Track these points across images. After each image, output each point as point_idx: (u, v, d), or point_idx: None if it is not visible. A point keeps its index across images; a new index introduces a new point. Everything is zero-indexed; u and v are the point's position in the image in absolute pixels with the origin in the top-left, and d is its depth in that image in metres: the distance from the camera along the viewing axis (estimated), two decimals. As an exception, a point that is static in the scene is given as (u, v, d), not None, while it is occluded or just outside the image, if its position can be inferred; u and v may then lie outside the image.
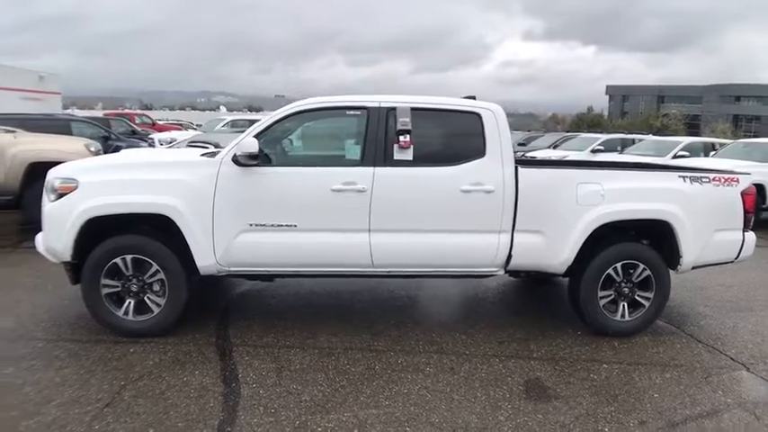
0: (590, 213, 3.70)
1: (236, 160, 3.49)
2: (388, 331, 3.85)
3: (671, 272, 3.94)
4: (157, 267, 3.53)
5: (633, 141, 14.21)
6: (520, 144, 18.33)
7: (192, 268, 3.57)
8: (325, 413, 2.75)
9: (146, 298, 3.58)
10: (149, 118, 26.00)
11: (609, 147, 13.85)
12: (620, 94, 68.69)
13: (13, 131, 6.87)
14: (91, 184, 3.48)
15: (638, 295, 3.90)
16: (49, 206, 3.53)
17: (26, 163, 6.32)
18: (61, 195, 3.48)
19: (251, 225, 3.53)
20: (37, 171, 6.29)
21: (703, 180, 3.91)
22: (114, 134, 13.04)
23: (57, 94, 21.34)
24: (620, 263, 3.83)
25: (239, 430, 2.57)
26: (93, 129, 12.35)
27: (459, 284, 5.00)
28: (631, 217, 3.77)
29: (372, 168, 3.58)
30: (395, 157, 3.61)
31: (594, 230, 3.73)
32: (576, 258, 3.77)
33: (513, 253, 3.74)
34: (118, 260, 3.51)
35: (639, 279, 3.88)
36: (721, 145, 11.82)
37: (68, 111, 26.05)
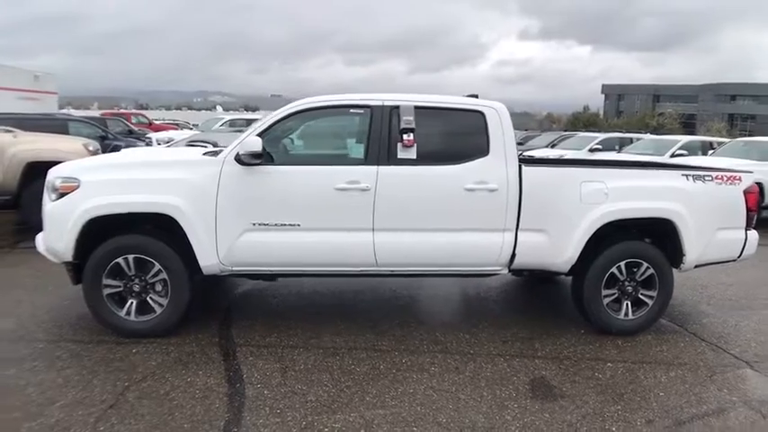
0: (594, 212, 3.70)
1: (238, 159, 3.47)
2: (391, 331, 3.84)
3: (672, 270, 3.94)
4: (160, 267, 3.50)
5: (631, 140, 14.24)
6: (517, 144, 18.32)
7: (195, 268, 3.55)
8: (332, 413, 2.73)
9: (148, 298, 3.55)
10: (146, 118, 25.91)
11: (607, 146, 13.88)
12: (615, 94, 68.88)
13: (11, 131, 6.82)
14: (93, 184, 3.44)
15: (641, 294, 3.90)
16: (50, 206, 3.49)
17: (24, 162, 6.27)
18: (62, 195, 3.45)
19: (254, 224, 3.51)
20: (35, 171, 6.26)
21: (706, 178, 3.91)
22: (111, 134, 12.96)
23: (53, 94, 21.19)
24: (624, 261, 3.83)
25: (245, 431, 2.55)
26: (91, 128, 12.27)
27: (460, 283, 4.99)
28: (635, 216, 3.77)
29: (376, 167, 3.56)
30: (398, 156, 3.60)
31: (598, 229, 3.72)
32: (579, 257, 3.76)
33: (516, 252, 3.73)
34: (120, 260, 3.48)
35: (643, 278, 3.88)
36: (719, 144, 11.86)
37: (64, 110, 25.89)
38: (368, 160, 3.59)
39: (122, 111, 32.67)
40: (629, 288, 3.88)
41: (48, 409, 2.65)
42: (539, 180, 3.72)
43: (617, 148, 13.85)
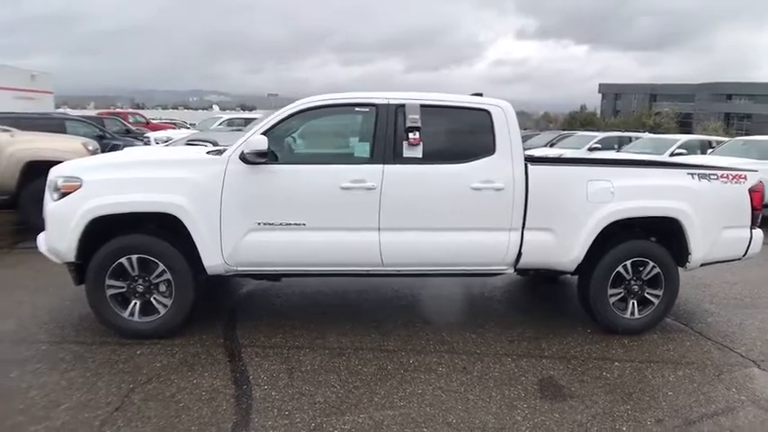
0: (600, 211, 3.68)
1: (243, 158, 3.43)
2: (397, 331, 3.81)
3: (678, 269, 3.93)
4: (164, 267, 3.46)
5: (630, 139, 14.26)
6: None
7: (199, 268, 3.51)
8: (341, 415, 2.70)
9: (152, 298, 3.51)
10: (143, 117, 25.78)
11: (606, 145, 13.88)
12: (612, 93, 69.07)
13: (8, 130, 6.75)
14: (95, 183, 3.40)
15: (647, 293, 3.89)
16: (52, 205, 3.45)
17: (23, 162, 6.21)
18: (65, 194, 3.40)
19: (259, 224, 3.48)
20: (34, 170, 6.20)
21: (711, 177, 3.90)
22: (109, 133, 12.88)
23: (49, 94, 21.05)
24: (630, 260, 3.82)
25: (254, 433, 2.52)
26: (88, 128, 12.18)
27: (464, 283, 4.97)
28: (642, 214, 3.75)
29: (382, 166, 3.53)
30: (404, 155, 3.57)
31: (604, 228, 3.71)
32: (585, 256, 3.75)
33: (522, 251, 3.71)
34: (123, 260, 3.44)
35: (649, 277, 3.87)
36: (718, 143, 11.89)
37: (60, 110, 25.75)
38: (373, 159, 3.56)
39: (119, 110, 32.52)
40: (636, 287, 3.87)
41: (53, 411, 2.62)
42: (545, 179, 3.70)
43: (616, 147, 13.86)
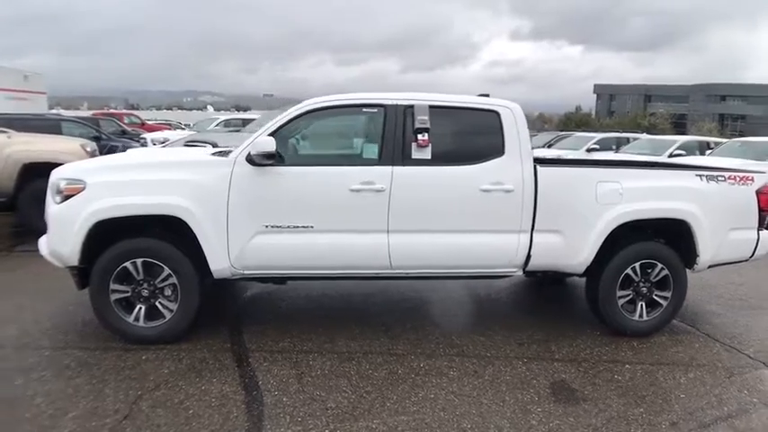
0: (610, 212, 3.67)
1: (250, 159, 3.39)
2: (405, 334, 3.78)
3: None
4: (169, 271, 3.41)
5: (628, 140, 14.30)
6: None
7: (205, 272, 3.46)
8: (354, 420, 2.67)
9: (157, 303, 3.46)
10: (138, 118, 25.61)
11: (604, 146, 13.93)
12: (607, 94, 69.35)
13: (5, 132, 6.66)
14: (99, 185, 3.34)
15: (655, 295, 3.88)
16: (54, 208, 3.38)
17: (20, 164, 6.13)
18: (67, 197, 3.34)
19: (266, 226, 3.43)
20: (32, 172, 6.12)
21: (719, 179, 3.90)
22: (105, 134, 12.77)
23: (42, 94, 20.85)
24: (639, 262, 3.80)
25: (266, 440, 2.48)
26: (84, 129, 12.07)
27: (470, 285, 4.94)
28: (651, 216, 3.74)
29: (390, 168, 3.50)
30: (413, 156, 3.54)
31: (613, 230, 3.69)
32: (594, 258, 3.73)
33: (532, 253, 3.69)
34: (128, 264, 3.38)
35: (657, 278, 3.86)
36: (716, 144, 11.95)
37: (54, 110, 25.53)
38: (382, 161, 3.52)
39: (114, 111, 32.28)
40: (644, 289, 3.86)
41: (60, 420, 2.56)
42: (554, 180, 3.68)
43: (614, 147, 13.91)
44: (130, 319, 3.43)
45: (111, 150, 10.72)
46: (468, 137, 3.75)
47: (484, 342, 3.70)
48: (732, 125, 53.12)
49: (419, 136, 3.51)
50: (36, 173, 6.10)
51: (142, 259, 3.39)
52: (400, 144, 3.54)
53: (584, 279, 4.00)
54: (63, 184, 3.37)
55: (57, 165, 5.81)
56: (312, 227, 3.46)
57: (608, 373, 3.32)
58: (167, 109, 78.57)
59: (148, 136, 14.38)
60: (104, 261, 3.36)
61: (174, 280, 3.43)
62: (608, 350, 3.66)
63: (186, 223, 3.35)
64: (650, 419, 2.80)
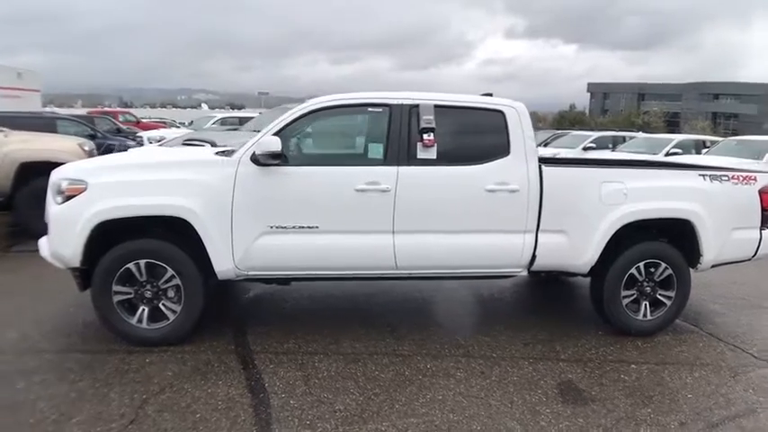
0: (614, 212, 3.67)
1: (255, 159, 3.35)
2: (410, 335, 3.76)
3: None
4: (173, 272, 3.37)
5: (624, 139, 14.35)
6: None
7: (209, 273, 3.43)
8: (363, 423, 2.65)
9: (160, 304, 3.42)
10: (133, 116, 25.40)
11: (600, 144, 13.96)
12: (601, 92, 69.63)
13: (2, 130, 6.57)
14: (101, 186, 3.30)
15: (659, 294, 3.89)
16: (55, 209, 3.33)
17: (17, 163, 6.05)
18: (69, 197, 3.29)
19: (271, 227, 3.40)
20: (29, 171, 6.05)
21: (723, 178, 3.90)
22: (101, 132, 12.66)
23: (36, 92, 20.63)
24: (643, 262, 3.81)
25: (276, 444, 2.46)
26: (79, 127, 11.96)
27: (472, 284, 4.93)
28: (656, 216, 3.74)
29: (396, 168, 3.48)
30: (418, 156, 3.52)
31: (618, 230, 3.69)
32: (599, 258, 3.73)
33: (537, 253, 3.68)
34: (131, 265, 3.34)
35: (661, 278, 3.86)
36: (712, 142, 12.02)
37: (47, 108, 25.28)
38: (387, 161, 3.50)
39: (108, 109, 32.02)
40: (648, 288, 3.86)
41: (65, 425, 2.52)
42: (559, 180, 3.67)
43: (610, 146, 13.95)
44: (133, 320, 3.39)
45: (109, 149, 10.64)
46: (473, 137, 3.73)
47: (489, 342, 3.69)
48: (725, 123, 53.51)
49: (425, 136, 3.49)
50: (33, 172, 6.03)
51: (145, 260, 3.35)
52: (405, 144, 3.51)
53: (582, 278, 4.01)
54: (64, 185, 3.32)
55: (54, 164, 5.74)
56: (317, 227, 3.43)
57: (614, 373, 3.32)
58: (161, 107, 77.96)
59: (145, 134, 14.27)
60: (107, 262, 3.32)
61: (177, 281, 3.39)
62: (613, 350, 3.66)
63: (190, 224, 3.31)
64: (659, 420, 2.80)
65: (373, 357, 3.39)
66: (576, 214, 3.67)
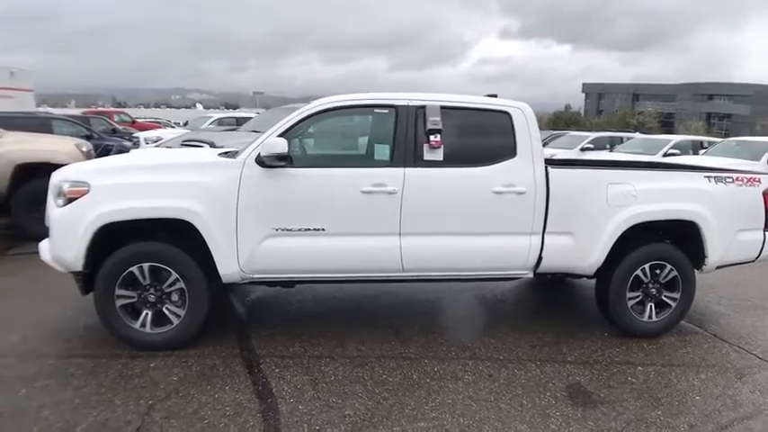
0: (621, 214, 3.66)
1: (260, 161, 3.32)
2: (416, 337, 3.74)
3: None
4: (177, 276, 3.33)
5: (621, 140, 14.40)
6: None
7: (214, 276, 3.39)
8: (373, 428, 2.62)
9: (164, 308, 3.38)
10: (128, 116, 25.20)
11: (598, 145, 14.00)
12: (595, 92, 69.94)
13: (-3, 131, 6.48)
14: (104, 188, 3.25)
15: (664, 296, 3.89)
16: (57, 212, 3.28)
17: (14, 164, 5.96)
18: (71, 200, 3.24)
19: (277, 230, 3.37)
20: (25, 173, 5.98)
21: (727, 180, 3.91)
22: (96, 133, 12.53)
23: (29, 92, 20.44)
24: (649, 264, 3.80)
25: (285, 450, 2.43)
26: (74, 127, 11.83)
27: (475, 286, 4.91)
28: (661, 218, 3.74)
29: (402, 169, 3.45)
30: (425, 158, 3.49)
31: (624, 231, 3.68)
32: (604, 260, 3.72)
33: (543, 255, 3.67)
34: (134, 269, 3.29)
35: (666, 280, 3.86)
36: (710, 143, 12.08)
37: (40, 108, 25.06)
38: (394, 162, 3.47)
39: (103, 109, 31.78)
40: (654, 290, 3.86)
41: (71, 432, 2.48)
42: (566, 182, 3.66)
43: (608, 146, 13.99)
44: (137, 325, 3.34)
45: (106, 150, 10.54)
46: (480, 138, 3.71)
47: (495, 345, 3.68)
48: (719, 124, 53.89)
49: (431, 137, 3.46)
50: (30, 174, 5.96)
51: (149, 264, 3.30)
52: (412, 145, 3.49)
53: (583, 279, 4.00)
54: (66, 187, 3.27)
55: (52, 165, 5.66)
56: (323, 229, 3.40)
57: (621, 375, 3.31)
58: (156, 107, 77.47)
59: (141, 135, 14.15)
60: (110, 266, 3.27)
61: (181, 285, 3.35)
62: (619, 351, 3.66)
63: (194, 227, 3.27)
64: (668, 422, 2.79)
65: (380, 361, 3.36)
66: (583, 216, 3.66)
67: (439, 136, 3.47)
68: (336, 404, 2.82)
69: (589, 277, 3.93)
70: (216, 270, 3.36)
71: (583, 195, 3.66)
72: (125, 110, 34.76)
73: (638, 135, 15.76)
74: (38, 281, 4.51)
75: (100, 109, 33.85)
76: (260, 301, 4.47)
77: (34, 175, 5.96)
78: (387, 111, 3.55)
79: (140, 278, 3.32)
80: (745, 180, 3.96)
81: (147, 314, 3.35)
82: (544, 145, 15.61)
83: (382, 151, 3.54)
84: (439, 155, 3.49)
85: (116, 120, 20.35)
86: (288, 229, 3.37)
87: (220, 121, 14.61)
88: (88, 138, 11.52)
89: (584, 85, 72.83)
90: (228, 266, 3.36)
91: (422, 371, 3.24)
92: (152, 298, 3.35)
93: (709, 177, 3.89)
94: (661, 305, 3.90)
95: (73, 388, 2.89)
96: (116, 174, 3.42)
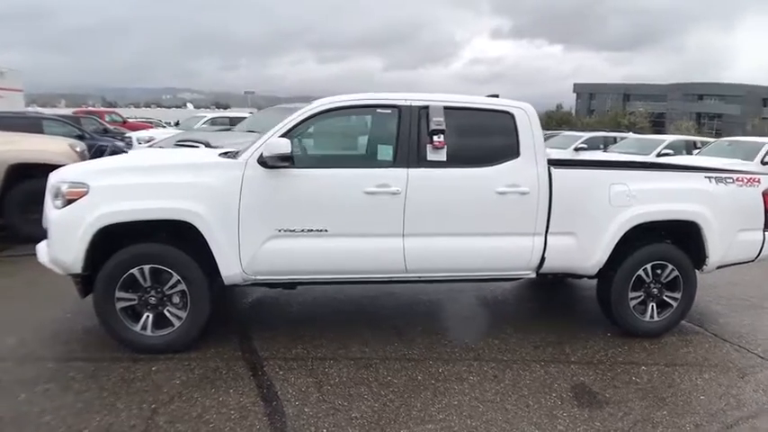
0: (623, 214, 3.67)
1: (262, 162, 3.28)
2: (419, 338, 3.72)
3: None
4: (178, 278, 3.29)
5: (615, 140, 14.49)
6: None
7: (215, 278, 3.35)
8: (381, 430, 2.60)
9: (165, 311, 3.33)
10: (119, 116, 24.95)
11: (591, 145, 14.08)
12: (587, 92, 70.40)
13: (-11, 131, 6.37)
14: (104, 189, 3.20)
15: (666, 296, 3.90)
16: (55, 213, 3.22)
17: (6, 164, 5.86)
18: (70, 201, 3.18)
19: (279, 231, 3.33)
20: (18, 173, 5.88)
21: (728, 180, 3.93)
22: (88, 133, 12.37)
23: (18, 91, 20.20)
24: (650, 264, 3.82)
25: (293, 454, 2.40)
26: (65, 127, 11.67)
27: (476, 286, 4.90)
28: (664, 218, 3.76)
29: (406, 170, 3.43)
30: (428, 158, 3.48)
31: (626, 231, 3.69)
32: (606, 260, 3.73)
33: (546, 255, 3.67)
34: (135, 271, 3.24)
35: (667, 280, 3.88)
36: (703, 143, 12.19)
37: (29, 108, 24.76)
38: (397, 162, 3.46)
39: (93, 108, 31.45)
40: (655, 290, 3.87)
41: (74, 438, 2.43)
42: (568, 182, 3.66)
43: (601, 146, 14.07)
44: (137, 327, 3.29)
45: (100, 150, 10.41)
46: (483, 138, 3.70)
47: (499, 345, 3.67)
48: (709, 124, 54.47)
49: (435, 137, 3.45)
50: (23, 174, 5.87)
51: (150, 265, 3.26)
52: (415, 146, 3.47)
53: (582, 279, 4.01)
54: (65, 188, 3.21)
55: (45, 166, 5.58)
56: (326, 231, 3.37)
57: (625, 375, 3.32)
58: (146, 107, 76.79)
59: (134, 135, 14.01)
60: (110, 268, 3.22)
61: (182, 287, 3.30)
62: (621, 351, 3.66)
63: (196, 228, 3.23)
64: (675, 422, 2.80)
65: (384, 362, 3.34)
66: (586, 216, 3.66)
67: (442, 136, 3.45)
68: (343, 406, 2.79)
69: (590, 277, 3.94)
70: (217, 272, 3.32)
71: (585, 196, 3.67)
72: (116, 110, 34.41)
73: (631, 135, 15.88)
74: (35, 283, 4.43)
75: (90, 109, 33.50)
76: (261, 302, 4.42)
77: (27, 175, 5.87)
78: (389, 111, 3.53)
79: (141, 280, 3.27)
80: (745, 180, 3.98)
81: (147, 317, 3.31)
82: (538, 145, 15.73)
83: (385, 152, 3.52)
84: (442, 155, 3.48)
85: (107, 120, 20.14)
86: (291, 231, 3.34)
87: (213, 121, 14.49)
88: (80, 138, 11.37)
89: (575, 85, 73.32)
90: (231, 268, 3.32)
91: (426, 372, 3.23)
92: (153, 300, 3.30)
93: (709, 178, 3.91)
94: (662, 305, 3.91)
95: (74, 392, 2.83)
96: (115, 174, 3.37)
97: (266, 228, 3.32)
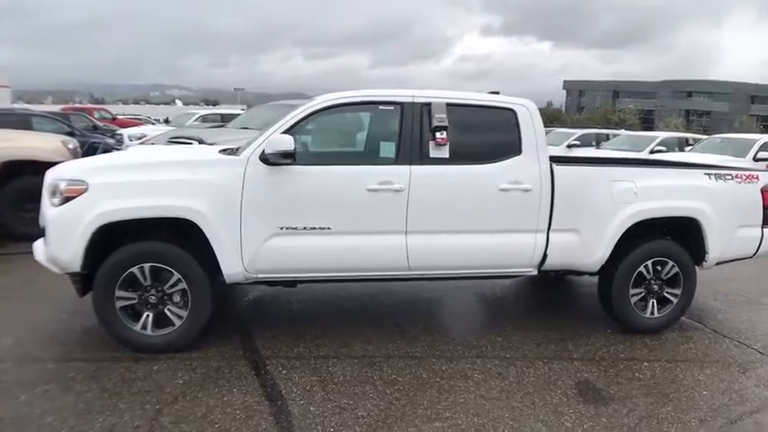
0: (625, 211, 3.68)
1: (264, 159, 3.24)
2: (421, 336, 3.71)
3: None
4: (179, 276, 3.24)
5: (608, 137, 14.58)
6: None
7: (216, 276, 3.31)
8: (388, 429, 2.58)
9: (166, 310, 3.28)
10: (109, 113, 24.64)
11: (584, 142, 14.15)
12: (576, 90, 70.80)
13: (-21, 128, 6.25)
14: (103, 186, 3.14)
15: (666, 292, 3.93)
16: (53, 211, 3.16)
17: (-1, 162, 5.75)
18: (68, 199, 3.12)
19: (281, 228, 3.30)
20: (10, 171, 5.77)
21: (727, 177, 3.96)
22: (78, 130, 12.19)
23: (5, 88, 19.88)
24: (651, 260, 3.83)
25: (301, 454, 2.37)
26: (55, 124, 11.47)
27: (476, 283, 4.89)
28: (665, 215, 3.77)
29: (408, 167, 3.41)
30: (431, 155, 3.46)
31: (627, 228, 3.71)
32: (608, 257, 3.74)
33: (548, 252, 3.67)
34: (135, 269, 3.19)
35: (668, 276, 3.90)
36: (695, 140, 12.31)
37: (17, 105, 24.37)
38: (399, 159, 3.43)
39: (82, 105, 31.03)
40: (656, 287, 3.89)
41: (77, 440, 2.39)
42: (570, 179, 3.66)
43: (594, 143, 14.15)
44: (137, 327, 3.24)
45: (92, 147, 10.27)
46: (485, 135, 3.69)
47: (501, 343, 3.67)
48: (698, 121, 55.07)
49: (437, 134, 3.43)
50: (16, 171, 5.76)
51: (150, 264, 3.21)
52: (418, 143, 3.45)
53: (581, 275, 4.02)
54: (63, 186, 3.15)
55: (38, 163, 5.47)
56: (329, 228, 3.34)
57: (628, 371, 3.33)
58: (134, 103, 75.86)
59: (125, 132, 13.83)
60: (109, 266, 3.17)
61: (183, 285, 3.25)
62: (623, 348, 3.68)
63: (197, 226, 3.18)
64: (680, 417, 2.81)
65: (388, 360, 3.32)
66: (587, 213, 3.66)
67: (445, 133, 3.43)
68: (348, 405, 2.77)
69: (591, 274, 3.95)
70: (219, 270, 3.28)
71: (587, 193, 3.67)
72: (105, 106, 33.98)
73: (623, 132, 15.99)
74: (31, 281, 4.36)
75: (79, 105, 33.02)
76: (261, 300, 4.39)
77: (19, 173, 5.77)
78: (392, 108, 3.51)
79: (141, 279, 3.22)
80: (744, 177, 4.02)
81: (148, 316, 3.26)
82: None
83: (388, 149, 3.49)
84: (445, 152, 3.46)
85: (96, 117, 19.86)
86: (293, 228, 3.31)
87: (205, 118, 14.33)
88: (71, 135, 11.21)
89: (565, 82, 73.69)
90: (232, 266, 3.28)
91: (431, 370, 3.22)
92: (153, 299, 3.25)
93: (709, 175, 3.93)
94: (663, 301, 3.94)
95: (75, 393, 2.78)
96: (114, 172, 3.31)
97: (268, 225, 3.29)
